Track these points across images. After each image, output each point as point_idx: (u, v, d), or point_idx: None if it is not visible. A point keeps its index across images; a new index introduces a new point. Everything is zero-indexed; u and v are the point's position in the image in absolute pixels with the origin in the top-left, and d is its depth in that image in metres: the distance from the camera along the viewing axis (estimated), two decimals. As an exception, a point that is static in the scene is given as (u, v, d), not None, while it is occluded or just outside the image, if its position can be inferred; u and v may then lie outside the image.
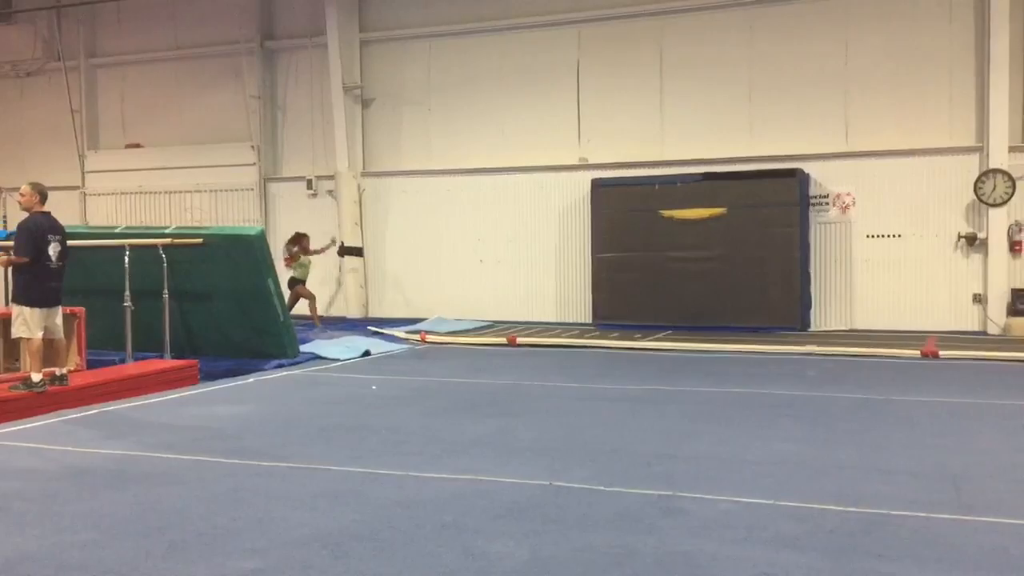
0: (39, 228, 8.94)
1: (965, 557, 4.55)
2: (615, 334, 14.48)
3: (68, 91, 20.21)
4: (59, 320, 9.17)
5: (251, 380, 10.76)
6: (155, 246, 11.69)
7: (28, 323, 8.80)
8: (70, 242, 9.43)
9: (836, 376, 10.69)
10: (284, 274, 15.87)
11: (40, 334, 8.88)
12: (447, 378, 10.89)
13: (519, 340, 13.99)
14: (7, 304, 9.43)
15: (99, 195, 20.32)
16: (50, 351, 9.11)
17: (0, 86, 21.22)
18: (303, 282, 16.45)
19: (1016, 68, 14.32)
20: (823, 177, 15.34)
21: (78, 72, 20.36)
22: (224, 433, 7.71)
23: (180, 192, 19.57)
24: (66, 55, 20.30)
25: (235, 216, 19.13)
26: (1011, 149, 14.27)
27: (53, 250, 8.96)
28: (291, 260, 16.40)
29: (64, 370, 9.27)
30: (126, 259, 11.21)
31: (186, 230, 13.21)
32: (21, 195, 9.11)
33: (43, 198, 9.11)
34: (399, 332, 15.10)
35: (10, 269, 9.10)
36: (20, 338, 9.06)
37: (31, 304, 8.85)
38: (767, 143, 15.60)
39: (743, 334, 13.94)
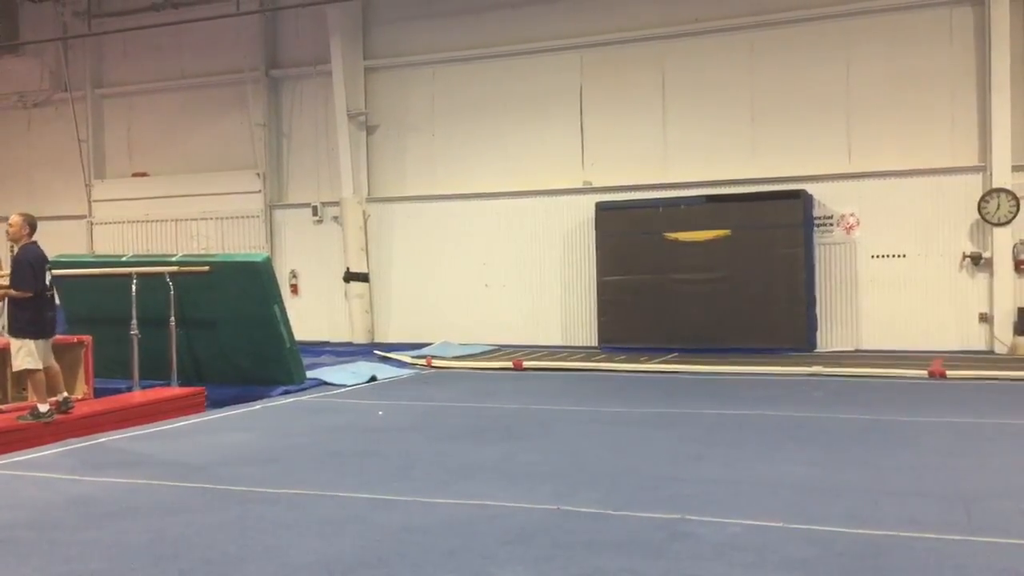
0: (38, 260, 8.99)
1: (976, 578, 4.52)
2: (621, 357, 14.47)
3: (75, 121, 20.38)
4: (49, 347, 9.19)
5: (257, 407, 10.75)
6: (162, 274, 11.74)
7: (34, 354, 8.81)
8: (75, 271, 9.46)
9: (843, 397, 10.66)
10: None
11: (42, 364, 8.90)
12: (453, 403, 10.88)
13: (525, 364, 13.99)
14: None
15: (106, 224, 20.42)
16: (48, 378, 9.11)
17: (8, 117, 21.41)
18: None
19: (1018, 88, 14.36)
20: (827, 198, 15.37)
21: (85, 102, 20.56)
22: (231, 460, 7.70)
23: (186, 220, 19.68)
24: (73, 86, 20.48)
25: (241, 243, 19.20)
26: (1014, 168, 14.29)
27: (48, 280, 9.00)
28: None
29: (65, 394, 9.26)
30: (133, 287, 11.25)
31: (192, 258, 13.26)
32: (11, 225, 9.08)
33: (32, 229, 9.11)
34: (405, 357, 15.10)
35: (7, 301, 9.07)
36: (25, 370, 9.03)
37: (35, 336, 8.87)
38: (770, 164, 15.64)
39: (749, 356, 13.92)
